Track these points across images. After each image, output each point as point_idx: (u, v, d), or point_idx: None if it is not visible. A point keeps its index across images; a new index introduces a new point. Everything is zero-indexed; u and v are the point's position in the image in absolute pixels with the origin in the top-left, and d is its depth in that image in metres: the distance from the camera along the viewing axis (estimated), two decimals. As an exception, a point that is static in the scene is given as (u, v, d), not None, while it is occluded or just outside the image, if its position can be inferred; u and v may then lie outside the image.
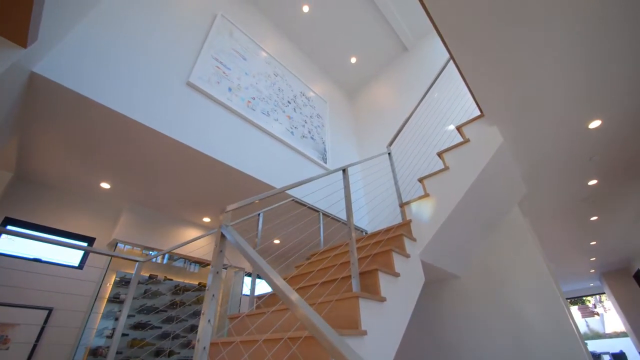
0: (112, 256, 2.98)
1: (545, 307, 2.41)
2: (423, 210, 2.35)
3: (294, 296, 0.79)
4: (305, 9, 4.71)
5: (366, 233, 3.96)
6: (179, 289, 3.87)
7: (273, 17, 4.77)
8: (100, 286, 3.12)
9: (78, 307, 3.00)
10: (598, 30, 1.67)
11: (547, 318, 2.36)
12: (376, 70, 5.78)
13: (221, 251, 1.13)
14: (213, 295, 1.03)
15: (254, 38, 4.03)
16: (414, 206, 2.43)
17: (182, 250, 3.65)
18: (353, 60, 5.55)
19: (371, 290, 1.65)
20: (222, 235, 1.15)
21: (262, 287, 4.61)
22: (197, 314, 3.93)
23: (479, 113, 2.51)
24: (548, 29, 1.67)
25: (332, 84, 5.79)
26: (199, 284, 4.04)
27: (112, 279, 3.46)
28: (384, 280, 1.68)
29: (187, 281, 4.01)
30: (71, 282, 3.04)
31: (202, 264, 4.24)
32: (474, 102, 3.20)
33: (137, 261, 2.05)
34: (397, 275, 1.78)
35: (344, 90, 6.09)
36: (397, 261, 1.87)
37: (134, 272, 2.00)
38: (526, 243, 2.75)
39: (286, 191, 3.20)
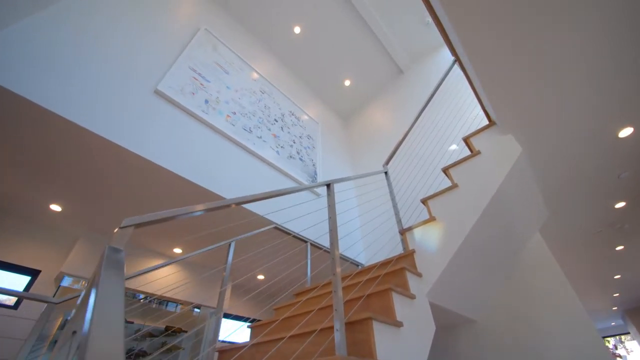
0: (18, 296, 2.45)
1: (587, 355, 1.89)
2: (429, 238, 1.90)
3: None
4: (297, 30, 4.59)
5: (362, 267, 3.44)
6: (144, 335, 3.25)
7: (263, 36, 4.61)
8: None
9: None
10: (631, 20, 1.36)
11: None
12: (371, 93, 5.58)
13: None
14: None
15: (241, 55, 3.82)
16: (417, 233, 1.98)
17: (147, 288, 3.08)
18: (347, 83, 5.37)
19: (363, 349, 1.16)
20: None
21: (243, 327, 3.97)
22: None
23: (481, 126, 2.20)
24: (573, 13, 1.36)
25: (324, 105, 5.56)
26: (166, 327, 3.42)
27: (58, 322, 2.89)
28: (381, 332, 1.20)
29: (149, 324, 3.38)
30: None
31: (176, 303, 3.65)
32: (473, 116, 2.92)
33: (47, 302, 1.55)
34: (399, 325, 1.29)
35: (337, 112, 5.85)
36: (399, 304, 1.39)
37: (48, 315, 1.49)
38: (554, 276, 2.28)
39: (265, 216, 2.75)
